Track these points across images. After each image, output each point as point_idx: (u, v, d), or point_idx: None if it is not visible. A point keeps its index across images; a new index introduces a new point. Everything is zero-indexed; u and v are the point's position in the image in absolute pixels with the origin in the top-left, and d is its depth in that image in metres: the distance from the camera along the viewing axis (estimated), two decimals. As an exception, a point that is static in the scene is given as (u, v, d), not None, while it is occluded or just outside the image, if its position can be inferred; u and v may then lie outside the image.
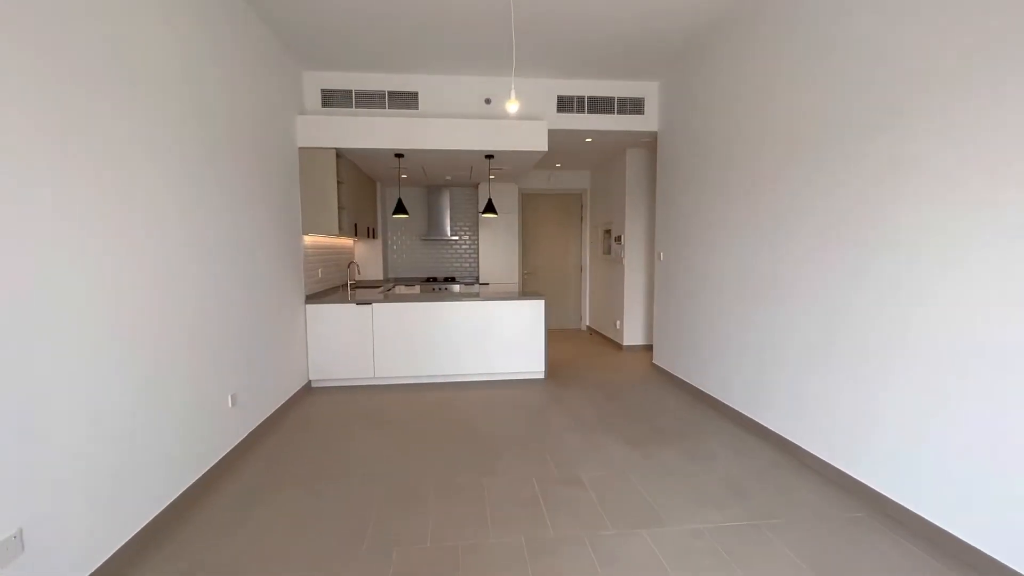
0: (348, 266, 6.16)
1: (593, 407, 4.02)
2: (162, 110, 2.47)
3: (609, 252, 6.71)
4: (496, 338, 4.77)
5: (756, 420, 3.44)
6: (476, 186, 7.30)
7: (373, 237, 6.52)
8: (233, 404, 3.08)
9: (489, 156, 4.93)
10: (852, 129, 2.60)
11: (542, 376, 4.91)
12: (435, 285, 6.93)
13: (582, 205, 7.61)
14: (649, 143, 5.65)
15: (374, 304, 4.61)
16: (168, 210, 2.46)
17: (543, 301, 4.81)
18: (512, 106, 3.09)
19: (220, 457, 2.90)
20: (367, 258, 6.86)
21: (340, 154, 4.77)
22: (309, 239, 4.68)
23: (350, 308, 4.59)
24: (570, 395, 4.36)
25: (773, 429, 3.27)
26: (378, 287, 6.20)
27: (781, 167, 3.17)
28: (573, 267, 7.71)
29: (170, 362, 2.45)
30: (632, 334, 6.22)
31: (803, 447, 2.98)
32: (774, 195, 3.25)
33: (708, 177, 4.08)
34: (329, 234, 4.59)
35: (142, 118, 2.31)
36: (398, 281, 7.09)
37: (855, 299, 2.58)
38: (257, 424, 3.43)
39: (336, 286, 5.63)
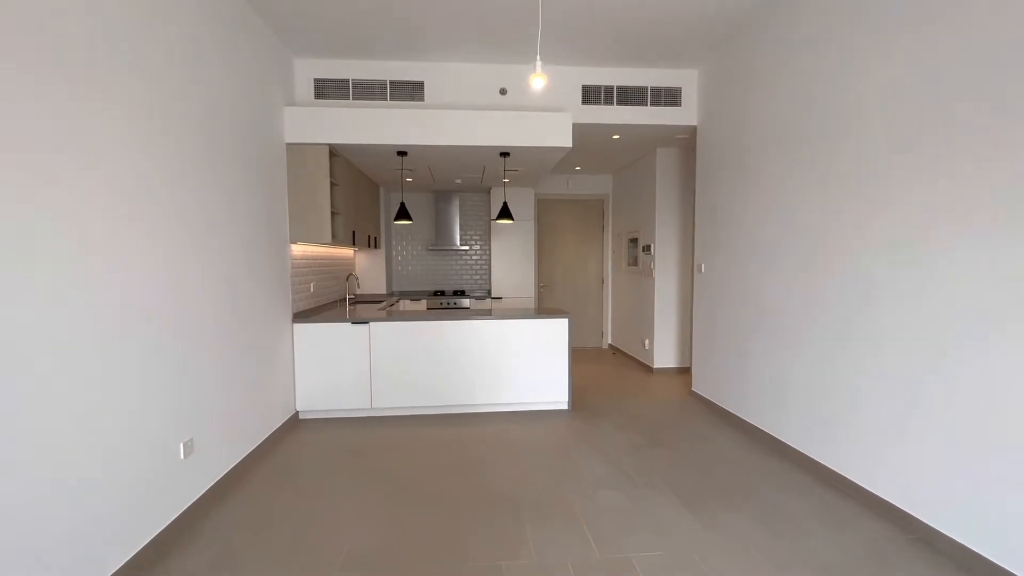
0: (347, 279, 5.56)
1: (632, 450, 3.34)
2: (120, 99, 1.89)
3: (636, 263, 6.06)
4: (512, 363, 4.11)
5: (841, 473, 2.74)
6: (488, 191, 6.70)
7: (375, 247, 5.93)
8: (187, 454, 2.45)
9: (504, 154, 4.32)
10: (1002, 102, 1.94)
11: (566, 407, 4.24)
12: (443, 300, 6.30)
13: (603, 212, 6.98)
14: (684, 140, 5.02)
15: (372, 323, 3.99)
16: (124, 209, 1.86)
17: (567, 320, 4.15)
18: (537, 81, 2.47)
19: (153, 535, 2.25)
20: (368, 270, 6.26)
21: (335, 152, 4.19)
22: (299, 249, 4.08)
23: (344, 328, 3.97)
24: (602, 433, 3.68)
25: (871, 490, 2.56)
26: (380, 302, 5.58)
27: (874, 160, 2.51)
28: (593, 279, 7.05)
29: (97, 405, 1.83)
30: (664, 355, 5.52)
31: (922, 520, 2.28)
32: (862, 201, 2.58)
33: (762, 177, 3.43)
34: (321, 243, 3.99)
35: (90, 110, 1.72)
36: (403, 295, 6.48)
37: (1001, 351, 1.90)
38: (223, 474, 2.79)
39: (333, 301, 5.02)
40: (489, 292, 6.75)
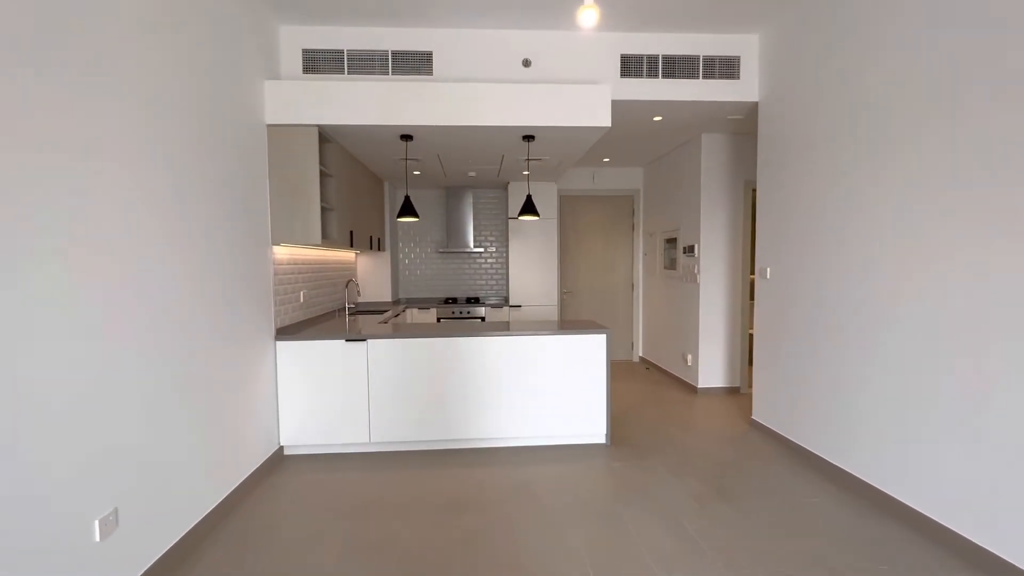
0: (346, 286, 4.90)
1: (695, 507, 2.61)
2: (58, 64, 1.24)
3: (674, 266, 5.32)
4: (539, 388, 3.41)
5: (995, 553, 1.99)
6: (506, 186, 6.01)
7: (379, 249, 5.27)
8: (106, 534, 1.78)
9: (528, 137, 3.63)
10: None
11: (603, 441, 3.52)
12: (454, 308, 5.62)
13: (633, 209, 6.25)
14: (737, 122, 4.28)
15: (370, 340, 3.31)
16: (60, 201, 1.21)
17: (605, 336, 3.44)
18: (587, 15, 1.78)
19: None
20: (372, 275, 5.60)
21: (327, 136, 3.53)
22: (284, 252, 3.42)
23: (337, 346, 3.30)
24: (652, 480, 2.95)
25: (1058, 586, 1.81)
26: (384, 311, 4.92)
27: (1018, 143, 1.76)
28: (622, 285, 6.32)
29: None
30: (710, 373, 4.78)
31: None
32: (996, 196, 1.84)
33: (853, 163, 2.69)
34: (310, 244, 3.33)
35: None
36: (410, 303, 5.81)
37: None
38: (163, 551, 2.12)
39: (329, 312, 4.37)
40: (506, 299, 6.06)
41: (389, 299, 5.63)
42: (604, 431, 3.47)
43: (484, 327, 3.56)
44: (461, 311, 5.65)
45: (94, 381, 1.75)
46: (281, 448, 3.33)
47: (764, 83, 3.64)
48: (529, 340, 3.38)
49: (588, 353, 3.42)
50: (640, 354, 6.31)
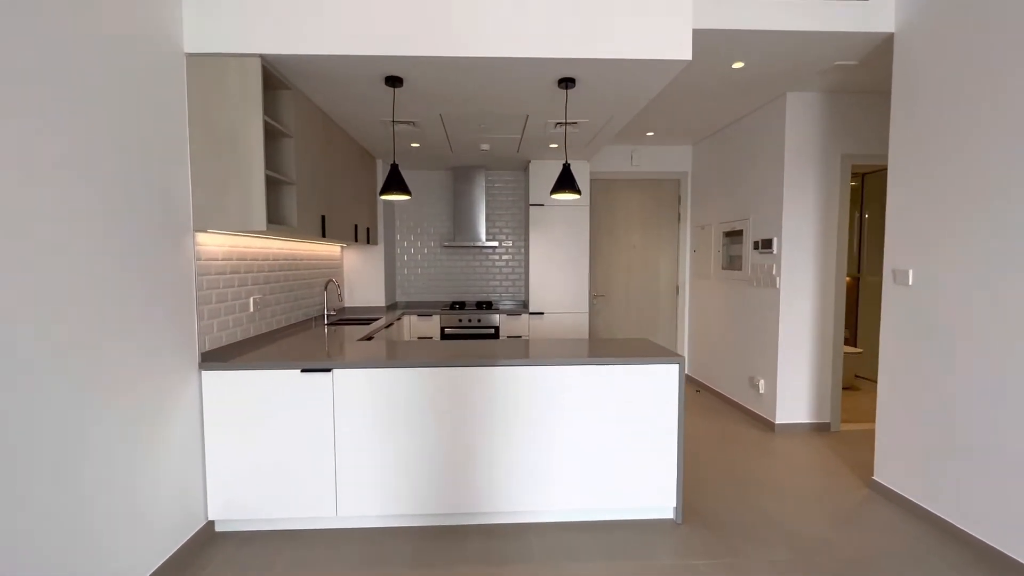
0: (324, 288, 3.88)
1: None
2: None
3: (737, 266, 4.23)
4: (577, 439, 2.36)
5: None
6: (526, 166, 4.96)
7: (371, 242, 4.25)
8: None
9: (567, 83, 2.56)
10: None
11: (671, 516, 2.46)
12: (462, 316, 4.59)
13: (679, 197, 5.15)
14: (836, 77, 3.17)
15: (337, 371, 2.28)
16: None
17: (677, 367, 2.37)
18: None
19: None
20: (362, 274, 4.58)
21: (281, 78, 2.49)
22: (219, 242, 2.41)
23: (290, 378, 2.27)
24: (765, 599, 1.89)
25: None
26: (375, 319, 3.90)
27: None
28: (665, 287, 5.23)
29: None
30: (792, 405, 3.68)
31: None
32: None
33: None
34: (249, 231, 2.30)
35: None
36: (408, 308, 4.79)
37: None
38: None
39: (300, 322, 3.35)
40: (525, 305, 5.01)
41: (382, 303, 4.60)
42: (673, 502, 2.41)
43: (500, 351, 2.51)
44: (470, 319, 4.61)
45: None
46: (210, 524, 2.32)
47: (906, 5, 2.54)
48: (564, 372, 2.33)
49: (651, 391, 2.36)
50: (687, 372, 5.22)
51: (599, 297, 5.20)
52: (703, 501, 2.64)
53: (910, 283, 2.51)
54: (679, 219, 5.17)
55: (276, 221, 2.60)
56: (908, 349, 2.52)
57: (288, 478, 2.29)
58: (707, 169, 4.76)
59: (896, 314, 2.60)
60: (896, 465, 2.61)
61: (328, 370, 2.28)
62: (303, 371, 2.27)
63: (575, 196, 2.67)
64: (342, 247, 4.47)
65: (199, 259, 2.26)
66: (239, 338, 2.60)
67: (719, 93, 3.51)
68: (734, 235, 4.29)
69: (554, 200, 4.65)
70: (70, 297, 1.57)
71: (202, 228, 2.23)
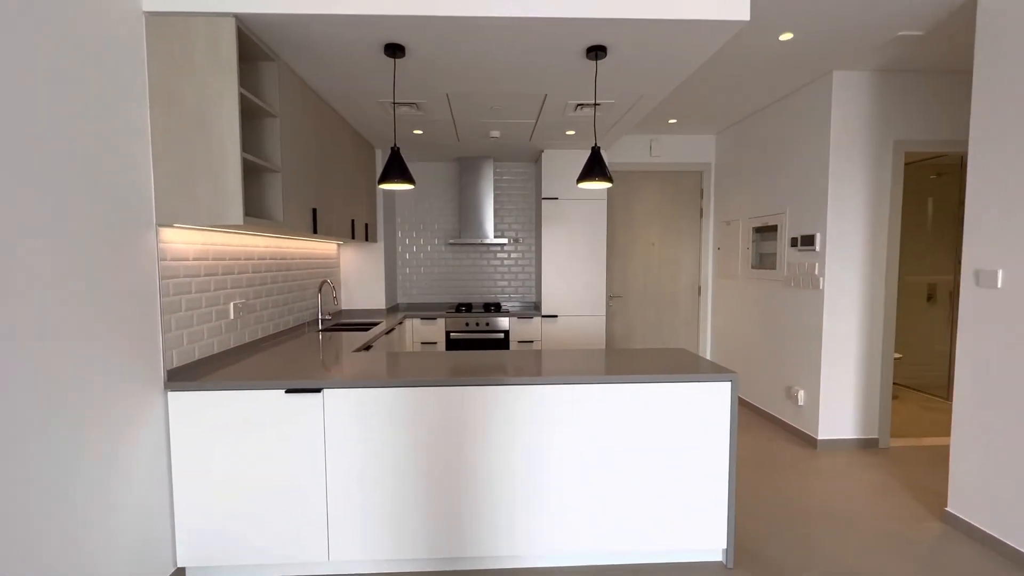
0: (319, 289, 3.53)
1: None
2: None
3: (770, 265, 3.87)
4: (609, 470, 2.00)
5: None
6: (537, 157, 4.59)
7: (369, 239, 3.89)
8: None
9: (596, 52, 2.19)
10: None
11: (720, 558, 2.10)
12: (468, 319, 4.23)
13: (702, 191, 4.79)
14: (891, 53, 2.80)
15: (328, 391, 1.92)
16: None
17: (730, 384, 2.01)
18: None
19: None
20: (360, 274, 4.22)
21: (263, 47, 2.12)
22: (191, 239, 2.05)
23: (272, 399, 1.91)
24: None
25: None
26: (374, 324, 3.54)
27: None
28: (685, 287, 4.87)
29: None
30: (836, 418, 3.33)
31: None
32: None
33: None
34: (224, 225, 1.94)
35: None
36: (410, 310, 4.43)
37: None
38: None
39: (291, 329, 3.00)
40: (536, 306, 4.65)
41: (383, 306, 4.25)
42: (723, 543, 2.05)
43: (516, 365, 2.15)
44: (478, 323, 4.25)
45: None
46: (180, 571, 1.96)
47: (989, -38, 2.17)
48: (594, 392, 1.97)
49: (698, 413, 2.00)
50: (708, 378, 4.86)
51: (615, 298, 4.83)
52: (754, 538, 2.29)
53: (999, 285, 2.14)
54: (701, 214, 4.80)
55: (258, 214, 2.24)
56: (994, 361, 2.16)
57: (272, 517, 1.94)
58: (733, 160, 4.39)
59: (979, 321, 2.24)
60: (976, 496, 2.25)
61: (318, 390, 1.92)
62: (288, 391, 1.91)
63: (605, 185, 2.30)
64: (338, 245, 4.11)
65: (164, 259, 1.90)
66: (216, 350, 2.25)
67: (758, 71, 3.14)
68: (766, 231, 3.93)
69: (569, 194, 4.29)
70: (19, 302, 1.21)
71: (167, 222, 1.87)
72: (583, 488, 1.99)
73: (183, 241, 2.02)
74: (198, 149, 1.85)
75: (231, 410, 1.90)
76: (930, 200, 4.64)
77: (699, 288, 4.86)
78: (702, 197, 4.78)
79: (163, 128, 1.84)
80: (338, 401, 1.93)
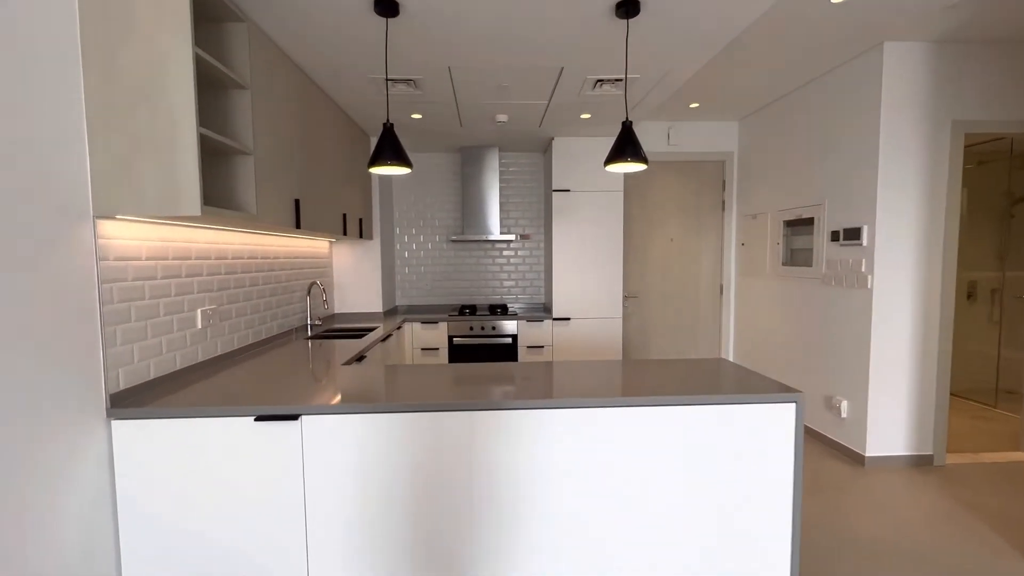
0: (308, 292, 3.19)
1: None
2: None
3: (804, 262, 3.52)
4: (646, 508, 1.66)
5: None
6: (547, 147, 4.24)
7: (364, 236, 3.55)
8: None
9: (627, 6, 1.84)
10: None
11: (781, 615, 1.76)
12: (472, 323, 3.89)
13: (724, 182, 4.43)
14: (966, 16, 2.44)
15: (307, 417, 1.58)
16: None
17: (795, 405, 1.66)
18: None
19: None
20: (355, 274, 3.88)
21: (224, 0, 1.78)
22: (147, 233, 1.70)
23: (240, 428, 1.57)
24: None
25: None
26: (370, 330, 3.20)
27: None
28: (706, 287, 4.52)
29: None
30: (886, 433, 2.97)
31: None
32: None
33: None
34: (177, 216, 1.60)
35: None
36: (410, 314, 4.09)
37: None
38: None
39: (275, 336, 2.65)
40: (546, 308, 4.31)
41: (380, 309, 3.90)
42: (784, 596, 1.70)
43: (532, 382, 1.81)
44: (483, 327, 3.90)
45: None
46: (130, 635, 1.62)
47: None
48: (621, 416, 1.63)
49: (754, 440, 1.66)
50: (731, 384, 4.51)
51: (630, 298, 4.48)
52: (813, 583, 1.94)
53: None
54: (723, 207, 4.45)
55: (223, 204, 1.90)
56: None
57: (239, 570, 1.60)
58: (759, 148, 4.03)
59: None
60: (1079, 533, 1.90)
61: (295, 416, 1.58)
62: (258, 419, 1.57)
63: (639, 166, 1.94)
64: (330, 242, 3.76)
65: (106, 259, 1.56)
66: (179, 366, 1.90)
67: (798, 46, 2.78)
68: (800, 224, 3.58)
69: (582, 186, 3.94)
70: None
71: (107, 214, 1.52)
72: (611, 528, 1.65)
73: (132, 237, 1.68)
74: (143, 123, 1.51)
75: (189, 442, 1.56)
76: (964, 191, 4.28)
77: (721, 287, 4.50)
78: (724, 189, 4.43)
79: (100, 98, 1.49)
80: (320, 430, 1.58)
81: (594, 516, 1.64)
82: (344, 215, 3.09)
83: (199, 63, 1.60)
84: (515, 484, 1.62)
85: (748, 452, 1.65)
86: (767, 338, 3.97)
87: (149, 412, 1.54)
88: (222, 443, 1.56)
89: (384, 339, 3.12)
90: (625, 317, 4.47)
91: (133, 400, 1.61)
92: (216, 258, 2.18)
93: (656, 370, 1.96)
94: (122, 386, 1.61)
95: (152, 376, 1.76)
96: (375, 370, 2.02)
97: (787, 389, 1.68)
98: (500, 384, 1.78)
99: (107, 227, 1.57)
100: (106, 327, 1.55)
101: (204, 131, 1.57)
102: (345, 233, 3.12)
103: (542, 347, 3.99)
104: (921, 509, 2.49)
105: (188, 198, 1.53)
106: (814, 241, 3.39)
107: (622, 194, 3.99)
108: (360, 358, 2.47)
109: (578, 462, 1.62)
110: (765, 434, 1.65)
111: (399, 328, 3.65)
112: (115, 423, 1.55)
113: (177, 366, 1.90)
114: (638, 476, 1.64)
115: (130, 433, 1.55)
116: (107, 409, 1.55)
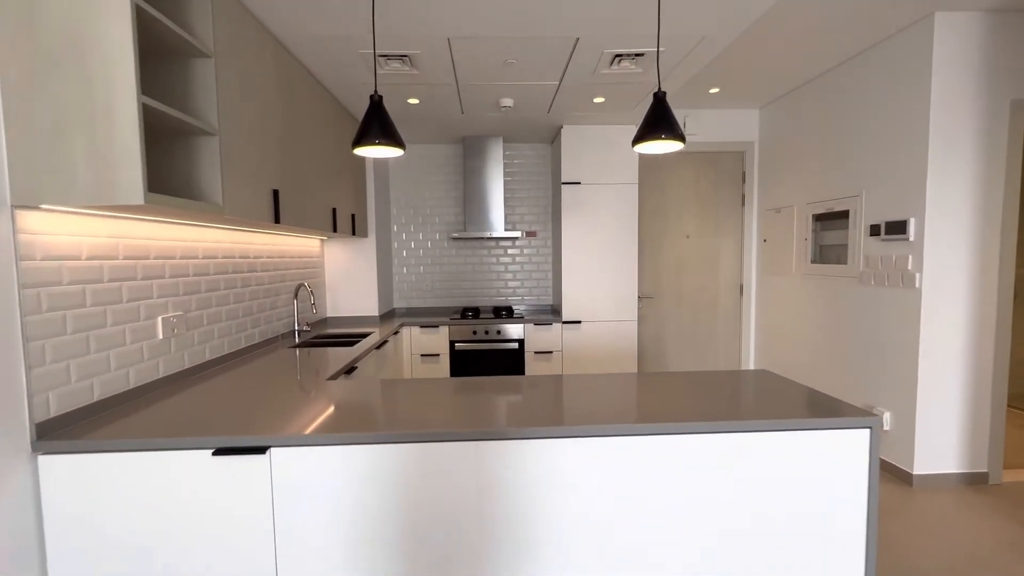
0: (295, 295, 2.91)
1: None
2: None
3: (840, 259, 3.22)
4: (686, 558, 1.37)
5: None
6: (554, 137, 3.95)
7: (357, 233, 3.26)
8: None
9: (659, -44, 1.55)
10: None
11: None
12: (476, 327, 3.61)
13: (744, 173, 4.13)
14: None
15: (276, 450, 1.29)
16: None
17: (869, 432, 1.37)
18: None
19: None
20: (348, 275, 3.59)
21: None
22: (91, 228, 1.42)
23: (196, 463, 1.28)
24: None
25: None
26: (364, 336, 2.91)
27: None
28: (725, 287, 4.22)
29: None
30: (936, 449, 2.68)
31: None
32: None
33: None
34: (113, 206, 1.31)
35: None
36: (409, 316, 3.80)
37: None
38: None
39: (257, 345, 2.37)
40: (555, 310, 4.02)
41: (376, 312, 3.62)
42: (854, 660, 1.41)
43: (551, 404, 1.52)
44: (487, 331, 3.62)
45: None
46: None
47: None
48: (652, 444, 1.34)
49: (818, 474, 1.37)
50: (752, 390, 4.22)
51: (644, 299, 4.19)
52: (879, 637, 1.65)
53: None
54: (743, 201, 4.15)
55: (177, 192, 1.61)
56: None
57: (196, 637, 1.32)
58: (784, 136, 3.73)
59: None
60: None
61: (263, 450, 1.29)
62: (216, 452, 1.28)
63: (676, 145, 1.65)
64: (322, 240, 3.48)
65: (30, 258, 1.28)
66: (133, 384, 1.62)
67: (842, 13, 2.49)
68: (832, 218, 3.28)
69: (593, 178, 3.65)
70: None
71: (29, 203, 1.24)
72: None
73: (69, 232, 1.39)
74: (71, 95, 1.22)
75: (132, 482, 1.28)
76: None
77: (741, 287, 4.21)
78: (744, 181, 4.13)
79: (17, 61, 1.21)
80: (293, 465, 1.30)
81: (621, 560, 1.35)
82: (334, 210, 2.81)
83: (147, 20, 1.31)
84: (539, 519, 1.33)
85: (811, 491, 1.36)
86: (793, 342, 3.68)
87: (83, 445, 1.26)
88: (175, 481, 1.28)
89: (379, 346, 2.83)
90: (640, 320, 4.18)
91: (67, 431, 1.33)
92: (182, 257, 1.90)
93: (689, 386, 1.67)
94: (53, 412, 1.33)
95: (96, 398, 1.47)
96: (364, 388, 1.74)
97: (859, 412, 1.39)
98: (509, 406, 1.49)
99: (32, 220, 1.29)
100: (31, 341, 1.27)
101: (148, 100, 1.28)
102: (335, 230, 2.83)
103: (551, 352, 3.71)
104: (988, 537, 2.20)
105: (128, 183, 1.25)
106: (849, 236, 3.10)
107: (637, 187, 3.69)
108: (350, 370, 2.19)
109: (612, 495, 1.33)
110: (834, 469, 1.36)
111: (396, 333, 3.37)
112: (41, 458, 1.27)
113: (131, 384, 1.61)
114: (677, 519, 1.35)
115: (61, 470, 1.27)
116: (32, 442, 1.27)
